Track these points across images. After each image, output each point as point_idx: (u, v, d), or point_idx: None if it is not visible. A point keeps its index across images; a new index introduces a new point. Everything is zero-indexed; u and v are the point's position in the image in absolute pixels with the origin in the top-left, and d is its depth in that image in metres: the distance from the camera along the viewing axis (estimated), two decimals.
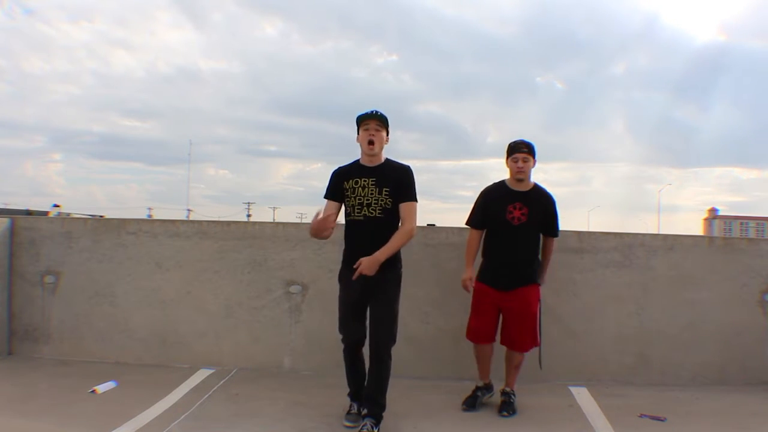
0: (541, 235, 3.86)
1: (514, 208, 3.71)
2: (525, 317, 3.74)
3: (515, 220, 3.70)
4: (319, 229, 3.37)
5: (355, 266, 3.29)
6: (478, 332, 3.79)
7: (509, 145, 3.79)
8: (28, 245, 4.85)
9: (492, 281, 3.75)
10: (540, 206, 3.76)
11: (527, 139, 3.80)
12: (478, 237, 3.88)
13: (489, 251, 3.84)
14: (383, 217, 3.41)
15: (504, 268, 3.73)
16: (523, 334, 3.75)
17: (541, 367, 3.90)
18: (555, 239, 3.91)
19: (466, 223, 3.95)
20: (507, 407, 3.76)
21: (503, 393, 3.87)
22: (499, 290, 3.72)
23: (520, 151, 3.72)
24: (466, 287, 3.85)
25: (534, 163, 3.77)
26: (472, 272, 3.85)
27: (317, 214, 3.39)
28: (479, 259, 3.89)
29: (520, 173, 3.72)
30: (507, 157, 3.78)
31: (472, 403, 3.76)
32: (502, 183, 3.86)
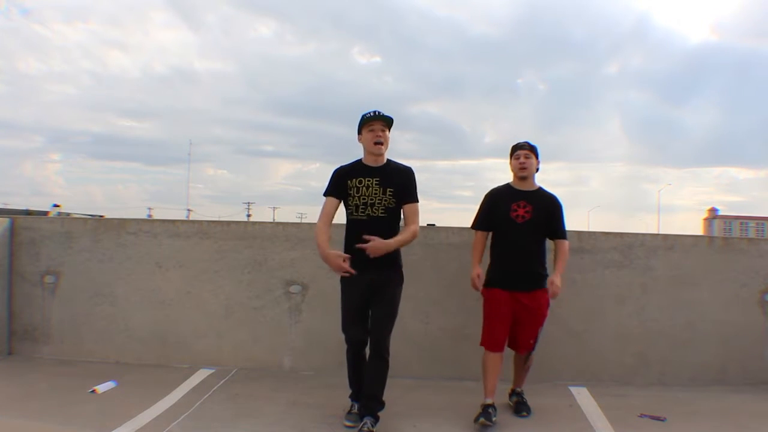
0: (552, 241, 3.78)
1: (518, 206, 3.67)
2: (536, 321, 3.70)
3: (519, 218, 3.66)
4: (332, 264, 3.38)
5: (361, 246, 3.30)
6: (494, 339, 3.65)
7: (513, 145, 3.80)
8: (28, 245, 4.85)
9: (503, 283, 3.67)
10: (544, 206, 3.71)
11: (525, 138, 3.82)
12: (482, 238, 3.84)
13: (496, 252, 3.78)
14: (386, 216, 3.43)
15: (514, 268, 3.67)
16: (529, 339, 3.72)
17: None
18: (566, 242, 3.78)
19: (471, 227, 3.90)
20: (525, 407, 3.77)
21: (517, 394, 3.87)
22: (513, 291, 3.64)
23: (522, 149, 3.73)
24: (474, 285, 3.78)
25: (538, 165, 3.75)
26: (479, 269, 3.78)
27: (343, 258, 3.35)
28: (486, 263, 3.82)
29: (522, 169, 3.70)
30: (510, 158, 3.78)
31: (489, 417, 3.48)
32: (506, 185, 3.84)
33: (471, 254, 3.86)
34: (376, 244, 3.32)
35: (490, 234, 3.83)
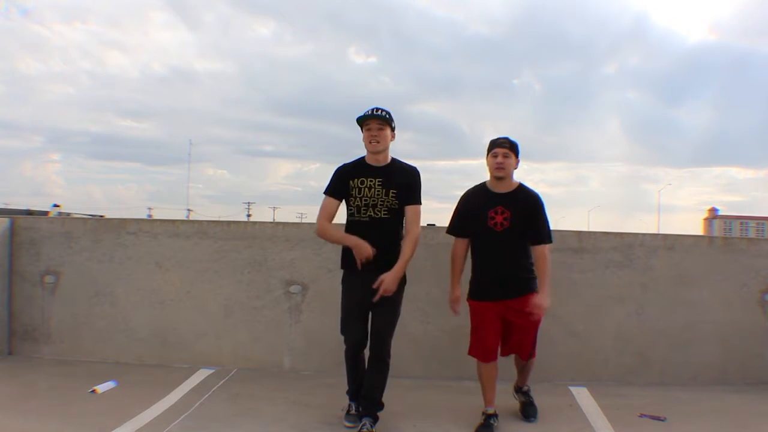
0: (532, 246, 3.49)
1: (496, 213, 3.44)
2: (531, 325, 3.52)
3: (498, 226, 3.43)
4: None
5: (375, 287, 3.28)
6: (484, 349, 3.51)
7: (490, 141, 3.54)
8: (28, 245, 4.85)
9: (489, 295, 3.49)
10: (524, 208, 3.45)
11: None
12: (462, 246, 3.62)
13: (476, 262, 3.57)
14: (389, 217, 3.39)
15: (495, 279, 3.48)
16: (527, 345, 3.61)
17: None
18: (545, 247, 3.48)
19: (447, 231, 3.69)
20: (532, 410, 3.70)
21: (523, 392, 3.81)
22: (497, 301, 3.48)
23: (501, 146, 3.45)
24: (453, 309, 3.64)
25: (517, 163, 3.50)
26: (458, 291, 3.63)
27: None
28: (468, 273, 3.63)
29: (499, 169, 3.43)
30: (487, 154, 3.52)
31: (490, 429, 3.43)
32: (482, 186, 3.59)
33: (450, 267, 3.64)
34: (388, 284, 3.28)
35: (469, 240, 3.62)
